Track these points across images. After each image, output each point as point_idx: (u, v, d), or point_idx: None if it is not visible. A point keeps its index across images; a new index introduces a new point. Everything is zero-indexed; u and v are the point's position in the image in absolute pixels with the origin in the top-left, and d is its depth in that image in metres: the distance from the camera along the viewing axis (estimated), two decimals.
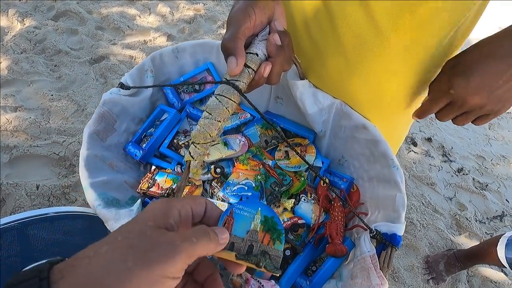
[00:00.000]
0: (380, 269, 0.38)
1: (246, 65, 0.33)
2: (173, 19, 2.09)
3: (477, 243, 1.27)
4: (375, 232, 0.40)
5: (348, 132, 0.50)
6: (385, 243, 0.40)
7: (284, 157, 0.52)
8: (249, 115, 0.57)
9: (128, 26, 1.95)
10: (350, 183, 0.50)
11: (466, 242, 1.33)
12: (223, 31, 2.09)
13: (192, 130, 0.56)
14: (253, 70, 0.34)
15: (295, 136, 0.56)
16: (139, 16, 2.04)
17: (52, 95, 1.53)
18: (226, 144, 0.53)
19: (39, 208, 1.20)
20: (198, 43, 0.55)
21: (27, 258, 0.73)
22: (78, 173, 1.33)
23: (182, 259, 0.20)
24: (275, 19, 0.36)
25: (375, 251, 0.39)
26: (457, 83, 0.37)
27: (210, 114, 0.33)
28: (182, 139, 0.52)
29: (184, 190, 0.49)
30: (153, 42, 1.88)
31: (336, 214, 0.46)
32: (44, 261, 0.19)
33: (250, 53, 0.34)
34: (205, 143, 0.33)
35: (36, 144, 1.32)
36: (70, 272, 0.18)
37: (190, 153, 0.33)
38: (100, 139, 0.48)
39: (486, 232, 1.39)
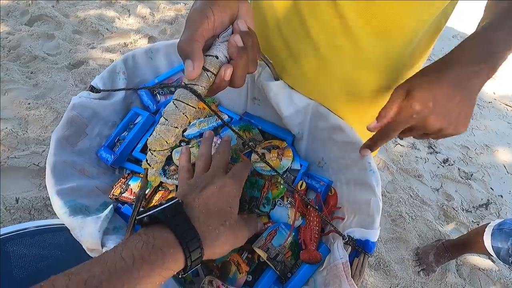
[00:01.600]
0: (352, 276, 0.37)
1: (205, 69, 0.32)
2: (153, 20, 2.05)
3: (464, 232, 1.31)
4: (347, 239, 0.39)
5: (326, 133, 0.49)
6: (358, 249, 0.38)
7: (261, 159, 0.51)
8: (226, 117, 0.56)
9: (107, 28, 1.91)
10: (328, 186, 0.49)
11: (454, 232, 1.34)
12: None
13: None
14: (212, 73, 0.32)
15: (273, 138, 0.54)
16: (118, 18, 2.00)
17: (29, 104, 1.49)
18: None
19: (20, 222, 1.18)
20: (172, 43, 0.53)
21: (6, 274, 0.71)
22: None
23: None
24: (238, 19, 0.34)
25: (347, 258, 0.38)
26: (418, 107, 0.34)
27: (167, 120, 0.32)
28: None
29: (156, 196, 0.47)
30: (134, 44, 1.85)
31: (311, 219, 0.45)
32: None
33: (210, 55, 0.32)
34: (162, 150, 0.32)
35: (14, 155, 1.29)
36: None
37: (147, 160, 0.32)
38: (70, 144, 0.47)
39: (472, 221, 1.40)
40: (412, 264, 1.19)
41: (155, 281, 0.26)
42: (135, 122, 0.53)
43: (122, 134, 0.52)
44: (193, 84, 0.32)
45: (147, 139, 0.32)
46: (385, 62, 0.42)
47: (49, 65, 1.68)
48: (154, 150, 0.32)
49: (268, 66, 0.44)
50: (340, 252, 0.39)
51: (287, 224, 0.46)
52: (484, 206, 1.46)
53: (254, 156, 0.52)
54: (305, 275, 0.42)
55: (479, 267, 1.26)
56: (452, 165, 1.61)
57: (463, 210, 1.44)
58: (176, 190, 0.49)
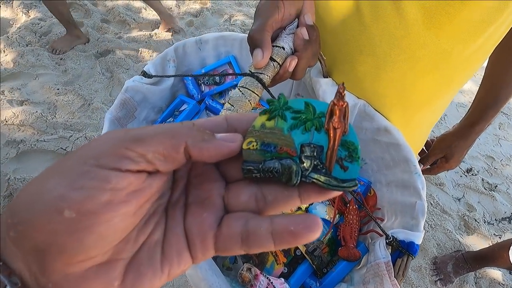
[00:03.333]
0: (394, 277, 0.37)
1: (271, 58, 0.33)
2: (179, 12, 2.08)
3: (485, 244, 1.27)
4: (391, 239, 0.39)
5: (369, 134, 0.49)
6: (401, 250, 0.38)
7: None
8: None
9: (133, 19, 1.94)
10: (367, 186, 0.49)
11: (475, 243, 1.31)
12: (230, 25, 2.07)
13: None
14: (278, 63, 0.33)
15: None
16: (145, 9, 2.04)
17: (58, 89, 1.53)
18: None
19: None
20: (221, 36, 0.55)
21: None
22: None
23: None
24: (304, 13, 0.35)
25: (390, 258, 0.38)
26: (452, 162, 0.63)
27: (232, 106, 0.33)
28: None
29: None
30: (159, 35, 1.87)
31: (351, 217, 0.45)
32: None
33: (277, 46, 0.33)
34: None
35: (43, 139, 1.33)
36: None
37: None
38: (120, 126, 0.49)
39: (494, 234, 1.36)
40: (429, 273, 1.17)
41: None
42: (180, 109, 0.55)
43: (168, 120, 0.54)
44: (259, 73, 0.32)
45: None
46: (439, 63, 0.41)
47: (78, 53, 1.72)
48: None
49: (320, 62, 0.45)
50: (382, 252, 0.39)
51: (327, 220, 0.46)
52: (507, 219, 1.42)
53: None
54: (343, 272, 0.43)
55: (499, 281, 1.22)
56: (475, 175, 1.56)
57: (485, 222, 1.40)
58: None
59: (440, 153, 0.63)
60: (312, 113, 0.17)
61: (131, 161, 0.14)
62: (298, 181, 0.16)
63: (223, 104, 0.57)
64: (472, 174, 1.55)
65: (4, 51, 1.66)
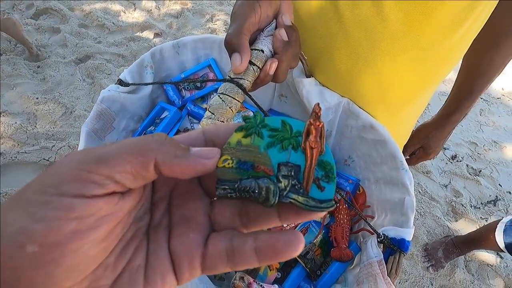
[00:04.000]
0: (387, 275, 0.37)
1: (251, 62, 0.31)
2: (159, 14, 2.04)
3: (473, 228, 1.31)
4: (382, 237, 0.39)
5: (355, 132, 0.48)
6: (393, 248, 0.38)
7: None
8: (252, 113, 0.55)
9: (113, 22, 1.90)
10: (356, 184, 0.49)
11: (463, 228, 1.35)
12: (212, 25, 2.05)
13: (193, 128, 0.55)
14: (258, 67, 0.32)
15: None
16: (124, 12, 1.99)
17: (37, 98, 1.48)
18: None
19: None
20: (200, 38, 0.53)
21: None
22: None
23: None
24: (282, 13, 0.34)
25: (382, 256, 0.38)
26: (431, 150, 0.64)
27: (213, 114, 0.31)
28: None
29: None
30: (140, 38, 1.84)
31: (341, 217, 0.45)
32: None
33: (255, 49, 0.32)
34: None
35: (24, 150, 1.28)
36: None
37: None
38: (98, 138, 0.47)
39: (481, 217, 1.41)
40: (421, 260, 1.21)
41: None
42: (161, 117, 0.53)
43: (149, 129, 0.52)
44: (239, 78, 0.31)
45: None
46: (421, 60, 0.42)
47: (57, 59, 1.66)
48: None
49: (302, 62, 0.44)
50: (374, 251, 0.39)
51: (317, 221, 0.45)
52: (492, 202, 1.48)
53: None
54: (336, 273, 0.42)
55: (488, 263, 1.27)
56: (460, 161, 1.62)
57: (471, 207, 1.45)
58: None
59: (417, 144, 0.64)
60: (289, 131, 0.17)
61: (96, 185, 0.13)
62: (276, 201, 0.15)
63: (206, 108, 0.55)
64: (457, 161, 1.60)
65: None
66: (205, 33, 2.00)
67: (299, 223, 0.45)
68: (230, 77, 0.32)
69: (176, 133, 0.52)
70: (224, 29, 2.04)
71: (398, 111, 0.50)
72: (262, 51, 0.32)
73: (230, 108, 0.31)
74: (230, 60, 0.31)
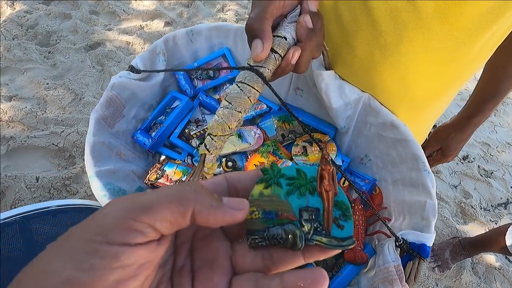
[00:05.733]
0: (405, 281, 0.35)
1: (272, 50, 0.29)
2: (170, 2, 2.02)
3: (482, 230, 1.28)
4: (402, 241, 0.37)
5: (374, 129, 0.46)
6: (412, 253, 0.36)
7: (302, 152, 0.49)
8: (265, 106, 0.53)
9: (123, 10, 1.89)
10: (373, 184, 0.47)
11: (471, 230, 1.32)
12: (223, 15, 2.02)
13: (205, 119, 0.53)
14: (280, 55, 0.30)
15: (314, 131, 0.52)
16: (135, 0, 1.98)
17: (47, 84, 1.49)
18: (240, 136, 0.49)
19: (40, 201, 1.18)
20: (214, 26, 0.51)
21: (29, 252, 0.72)
22: (79, 164, 1.32)
23: None
24: None
25: (400, 261, 0.36)
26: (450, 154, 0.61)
27: (230, 104, 0.29)
28: (194, 128, 0.49)
29: None
30: (150, 27, 1.82)
31: (356, 217, 0.43)
32: None
33: (278, 36, 0.30)
34: (223, 135, 0.30)
35: (33, 135, 1.30)
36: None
37: (205, 145, 0.30)
38: (108, 125, 0.45)
39: (490, 220, 1.38)
40: (427, 260, 1.19)
41: None
42: (172, 106, 0.51)
43: (159, 118, 0.50)
44: (259, 66, 0.29)
45: (209, 123, 0.30)
46: (449, 57, 0.39)
47: (67, 45, 1.66)
48: (215, 135, 0.30)
49: (323, 54, 0.41)
50: (392, 255, 0.37)
51: None
52: (503, 205, 1.44)
53: (294, 149, 0.50)
54: (349, 276, 0.40)
55: (495, 266, 1.25)
56: (472, 162, 1.58)
57: (481, 209, 1.42)
58: None
59: (436, 146, 0.62)
60: (304, 178, 0.18)
61: (140, 234, 0.13)
62: (303, 245, 0.16)
63: (218, 99, 0.53)
64: (468, 161, 1.56)
65: None
66: (216, 22, 1.97)
67: None
68: (249, 64, 0.30)
69: (186, 124, 0.50)
70: (235, 20, 2.01)
71: (419, 110, 0.47)
72: (285, 38, 0.30)
73: (248, 98, 0.29)
74: (249, 47, 0.29)
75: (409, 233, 0.38)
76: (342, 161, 0.49)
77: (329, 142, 0.49)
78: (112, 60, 1.66)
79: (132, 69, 0.47)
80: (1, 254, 0.71)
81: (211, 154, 0.30)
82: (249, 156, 0.48)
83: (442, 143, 0.61)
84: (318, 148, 0.48)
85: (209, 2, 2.11)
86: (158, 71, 0.45)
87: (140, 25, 1.85)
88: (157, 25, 1.86)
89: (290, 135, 0.51)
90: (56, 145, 1.30)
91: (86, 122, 1.39)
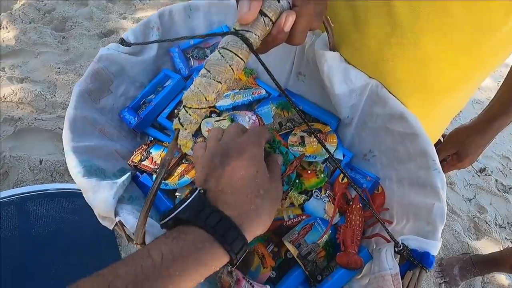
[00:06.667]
0: None
1: (262, 13, 0.25)
2: None
3: (495, 248, 1.20)
4: (402, 247, 0.32)
5: (380, 121, 0.41)
6: (413, 261, 0.32)
7: (299, 143, 0.45)
8: (264, 92, 0.49)
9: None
10: (375, 183, 0.42)
11: (484, 247, 1.24)
12: None
13: None
14: (270, 20, 0.26)
15: (315, 121, 0.47)
16: None
17: (59, 68, 1.51)
18: (233, 120, 0.46)
19: (42, 183, 1.19)
20: (214, 2, 0.47)
21: (25, 231, 0.72)
22: None
23: None
24: None
25: (398, 269, 0.32)
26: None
27: (209, 72, 0.26)
28: None
29: (178, 168, 0.42)
30: None
31: (353, 217, 0.39)
32: None
33: None
34: (198, 108, 0.26)
35: (41, 117, 1.31)
36: None
37: (179, 119, 0.26)
38: (92, 100, 0.43)
39: (506, 238, 1.29)
40: (434, 275, 1.11)
41: (192, 280, 0.23)
42: (164, 85, 0.48)
43: (149, 97, 0.47)
44: (245, 31, 0.25)
45: (184, 93, 0.27)
46: (474, 42, 0.34)
47: (81, 32, 1.68)
48: (190, 107, 0.26)
49: (327, 31, 0.37)
50: (389, 262, 0.32)
51: (324, 220, 0.39)
52: None
53: (291, 139, 0.45)
54: (340, 281, 0.36)
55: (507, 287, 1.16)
56: (489, 175, 1.49)
57: (496, 225, 1.33)
58: None
59: (452, 149, 0.56)
60: None
61: None
62: None
63: None
64: (486, 174, 1.47)
65: (6, 28, 1.62)
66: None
67: (303, 218, 0.39)
68: (234, 29, 0.26)
69: (177, 104, 0.47)
70: None
71: (434, 102, 0.42)
72: (278, 0, 0.26)
73: (230, 66, 0.26)
74: (237, 8, 0.25)
75: (411, 239, 0.33)
76: (343, 155, 0.45)
77: (330, 133, 0.45)
78: None
79: (122, 41, 0.44)
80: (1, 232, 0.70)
81: (185, 129, 0.26)
82: None
83: (459, 146, 0.55)
84: (316, 139, 0.44)
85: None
86: (149, 43, 0.42)
87: None
88: None
89: (288, 124, 0.47)
90: (62, 129, 1.31)
91: None
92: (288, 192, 0.41)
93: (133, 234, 0.32)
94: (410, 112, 0.38)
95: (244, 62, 0.26)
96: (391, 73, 0.38)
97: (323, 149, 0.41)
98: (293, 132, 0.46)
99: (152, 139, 0.47)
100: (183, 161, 0.44)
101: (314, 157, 0.42)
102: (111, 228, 0.34)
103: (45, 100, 1.39)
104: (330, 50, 0.39)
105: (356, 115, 0.43)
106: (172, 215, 0.25)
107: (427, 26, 0.33)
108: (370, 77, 0.40)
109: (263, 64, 0.26)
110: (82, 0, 1.82)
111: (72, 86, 1.47)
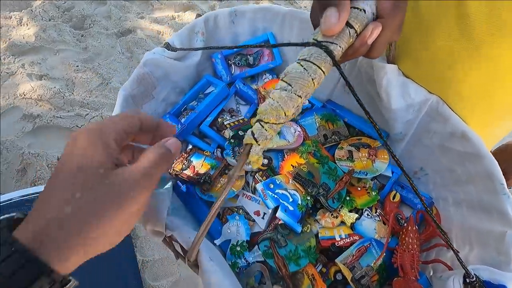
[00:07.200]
0: None
1: (348, 24, 0.24)
2: None
3: None
4: (474, 278, 0.30)
5: (437, 139, 0.39)
6: None
7: (347, 157, 0.43)
8: (307, 102, 0.48)
9: None
10: (430, 203, 0.40)
11: None
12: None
13: (239, 110, 0.48)
14: (355, 31, 0.24)
15: (361, 134, 0.45)
16: None
17: (77, 66, 1.51)
18: (279, 132, 0.44)
19: None
20: (261, 8, 0.46)
21: None
22: None
23: (144, 195, 0.21)
24: None
25: None
26: None
27: (290, 85, 0.24)
28: (228, 118, 0.44)
29: (222, 179, 0.40)
30: (182, 18, 1.83)
31: (409, 240, 0.36)
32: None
33: (355, 7, 0.24)
34: (276, 124, 0.24)
35: (59, 115, 1.32)
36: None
37: (253, 134, 0.25)
38: (136, 105, 0.41)
39: None
40: None
41: None
42: (206, 92, 0.47)
43: (191, 104, 0.46)
44: (330, 42, 0.24)
45: (260, 107, 0.25)
46: None
47: (99, 30, 1.69)
48: (267, 122, 0.24)
49: (390, 43, 0.35)
50: None
51: (379, 241, 0.37)
52: None
53: (338, 153, 0.44)
54: None
55: None
56: None
57: None
58: (246, 175, 0.42)
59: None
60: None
61: None
62: None
63: (256, 89, 0.48)
64: None
65: (26, 25, 1.64)
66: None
67: (355, 238, 0.37)
68: (316, 40, 0.24)
69: (220, 113, 0.45)
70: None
71: (494, 120, 0.40)
72: (364, 10, 0.24)
73: (312, 80, 0.24)
74: (319, 18, 0.24)
75: (483, 269, 0.30)
76: (392, 172, 0.43)
77: (380, 148, 0.43)
78: (142, 48, 1.67)
79: (168, 46, 0.42)
80: None
81: (259, 145, 0.25)
82: (285, 155, 0.43)
83: (506, 164, 0.53)
84: (366, 154, 0.42)
85: None
86: (197, 49, 0.40)
87: (172, 16, 1.86)
88: (189, 16, 1.86)
89: (333, 137, 0.45)
90: (80, 127, 1.31)
91: (111, 107, 1.39)
92: (339, 210, 0.39)
93: (181, 248, 0.30)
94: (473, 131, 0.36)
95: (325, 75, 0.25)
96: (455, 88, 0.36)
97: (374, 165, 0.39)
98: (339, 146, 0.44)
99: (192, 147, 0.45)
100: (226, 171, 0.42)
101: (365, 173, 0.40)
102: (160, 240, 0.32)
103: (63, 97, 1.40)
104: (388, 62, 0.38)
105: (410, 131, 0.41)
106: None
107: (508, 31, 0.30)
108: (430, 93, 0.38)
109: (345, 79, 0.24)
110: None
111: (90, 85, 1.47)
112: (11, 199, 0.77)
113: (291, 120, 0.48)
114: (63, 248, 0.17)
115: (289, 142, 0.43)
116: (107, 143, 0.20)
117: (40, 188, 0.81)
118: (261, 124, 0.25)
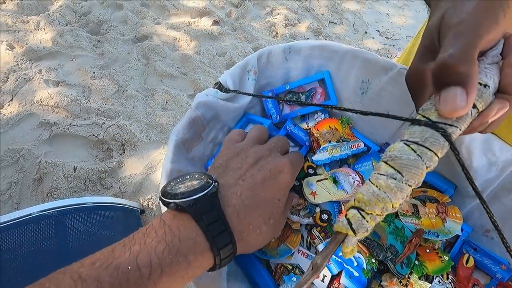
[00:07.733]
0: None
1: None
2: (220, 1, 2.02)
3: None
4: None
5: None
6: None
7: (412, 213, 0.39)
8: (362, 145, 0.44)
9: (173, 5, 1.91)
10: None
11: None
12: (272, 18, 1.97)
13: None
14: (478, 111, 0.21)
15: (427, 186, 0.42)
16: None
17: (94, 73, 1.50)
18: (335, 181, 0.40)
19: (75, 191, 1.16)
20: (318, 45, 0.43)
21: (63, 245, 0.71)
22: (115, 158, 1.29)
23: None
24: None
25: None
26: None
27: (400, 174, 0.21)
28: None
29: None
30: (198, 24, 1.83)
31: None
32: None
33: (479, 83, 0.21)
34: (380, 215, 0.21)
35: (76, 123, 1.30)
36: None
37: (349, 223, 0.21)
38: (186, 150, 0.38)
39: None
40: None
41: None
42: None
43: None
44: (449, 125, 0.20)
45: (360, 193, 0.22)
46: None
47: (116, 36, 1.68)
48: (369, 213, 0.21)
49: None
50: None
51: None
52: None
53: (402, 207, 0.40)
54: None
55: None
56: None
57: None
58: (301, 227, 0.39)
59: None
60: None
61: None
62: None
63: (306, 130, 0.45)
64: None
65: (44, 29, 1.64)
66: (265, 26, 1.92)
67: None
68: (429, 119, 0.21)
69: None
70: (283, 24, 1.95)
71: None
72: (488, 86, 0.21)
73: (427, 168, 0.20)
74: (438, 96, 0.20)
75: None
76: (462, 230, 0.39)
77: (450, 204, 0.39)
78: (158, 55, 1.65)
79: (220, 86, 0.40)
80: (37, 246, 0.70)
81: (356, 235, 0.21)
82: (342, 207, 0.39)
83: None
84: (434, 211, 0.38)
85: (258, 4, 2.09)
86: (253, 95, 0.37)
87: (188, 22, 1.85)
88: (205, 23, 1.85)
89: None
90: (96, 136, 1.29)
91: (127, 116, 1.37)
92: (409, 277, 0.35)
93: None
94: None
95: (439, 160, 0.21)
96: None
97: (445, 225, 0.36)
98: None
99: None
100: None
101: (436, 234, 0.37)
102: None
103: (80, 105, 1.39)
104: None
105: (488, 189, 0.37)
106: (178, 201, 0.24)
107: None
108: None
109: (462, 165, 0.21)
110: (118, 2, 1.83)
111: (106, 92, 1.45)
112: (30, 214, 0.76)
113: (345, 165, 0.45)
114: (243, 248, 0.25)
115: (347, 193, 0.39)
116: None
117: (59, 202, 0.79)
118: (361, 214, 0.21)
